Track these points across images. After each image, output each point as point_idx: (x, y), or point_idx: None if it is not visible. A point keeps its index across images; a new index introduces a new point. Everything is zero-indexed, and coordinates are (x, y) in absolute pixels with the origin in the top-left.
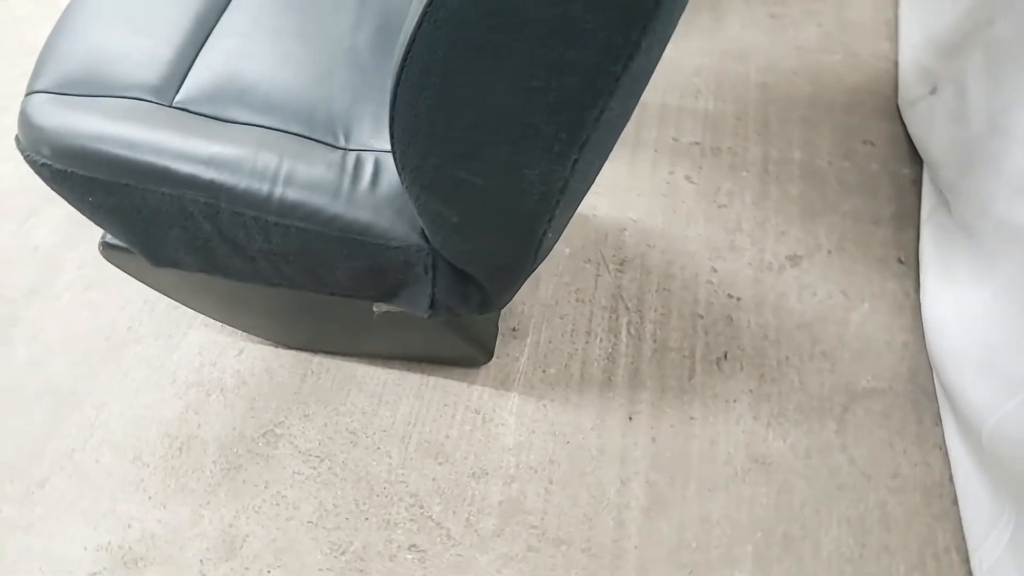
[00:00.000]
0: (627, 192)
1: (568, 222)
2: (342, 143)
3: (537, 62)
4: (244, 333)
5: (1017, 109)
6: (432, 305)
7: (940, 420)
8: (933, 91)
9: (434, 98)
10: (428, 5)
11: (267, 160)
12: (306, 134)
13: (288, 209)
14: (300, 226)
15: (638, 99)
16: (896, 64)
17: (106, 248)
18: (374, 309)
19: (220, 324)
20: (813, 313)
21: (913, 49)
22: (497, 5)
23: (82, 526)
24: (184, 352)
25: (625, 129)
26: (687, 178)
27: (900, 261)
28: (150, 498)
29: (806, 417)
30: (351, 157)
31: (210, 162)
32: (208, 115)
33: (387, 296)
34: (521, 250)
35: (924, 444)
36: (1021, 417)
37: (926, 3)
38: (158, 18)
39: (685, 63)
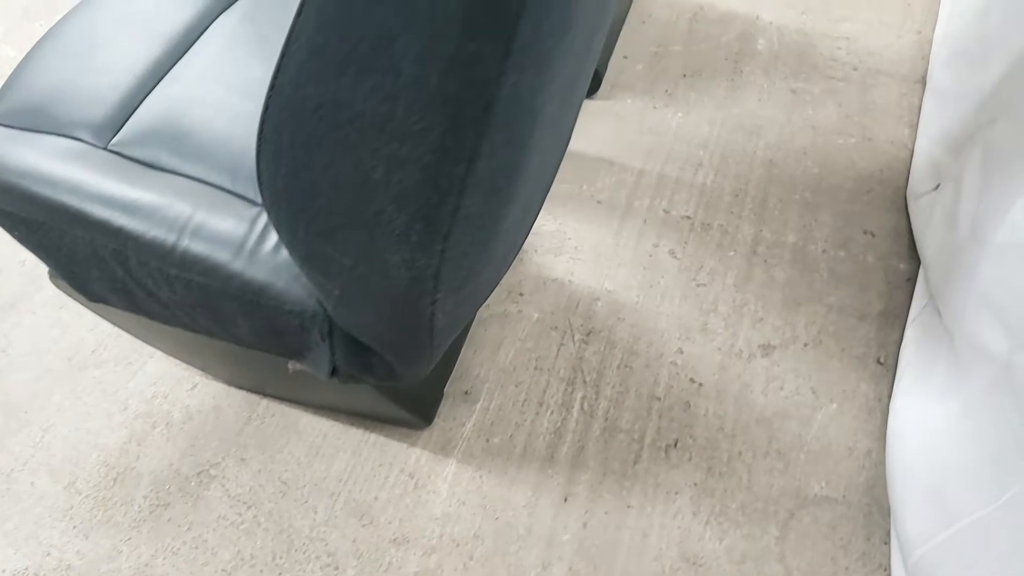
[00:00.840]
0: (608, 261)
1: (478, 302)
2: (260, 200)
3: (376, 154)
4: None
5: (996, 218)
6: (333, 371)
7: (889, 539)
8: (936, 187)
9: (287, 177)
10: (270, 89)
11: (180, 210)
12: (227, 187)
13: (190, 263)
14: (200, 281)
15: (534, 190)
16: (912, 153)
17: (52, 276)
18: (289, 366)
19: None
20: (776, 408)
21: (929, 140)
22: (328, 97)
23: (3, 547)
24: (140, 381)
25: (617, 196)
26: (671, 252)
27: (879, 362)
28: (75, 527)
29: (748, 519)
30: (264, 215)
31: (124, 208)
32: (139, 159)
33: (293, 355)
34: (411, 331)
35: (869, 563)
36: (946, 553)
37: (949, 93)
38: (115, 60)
39: (692, 133)
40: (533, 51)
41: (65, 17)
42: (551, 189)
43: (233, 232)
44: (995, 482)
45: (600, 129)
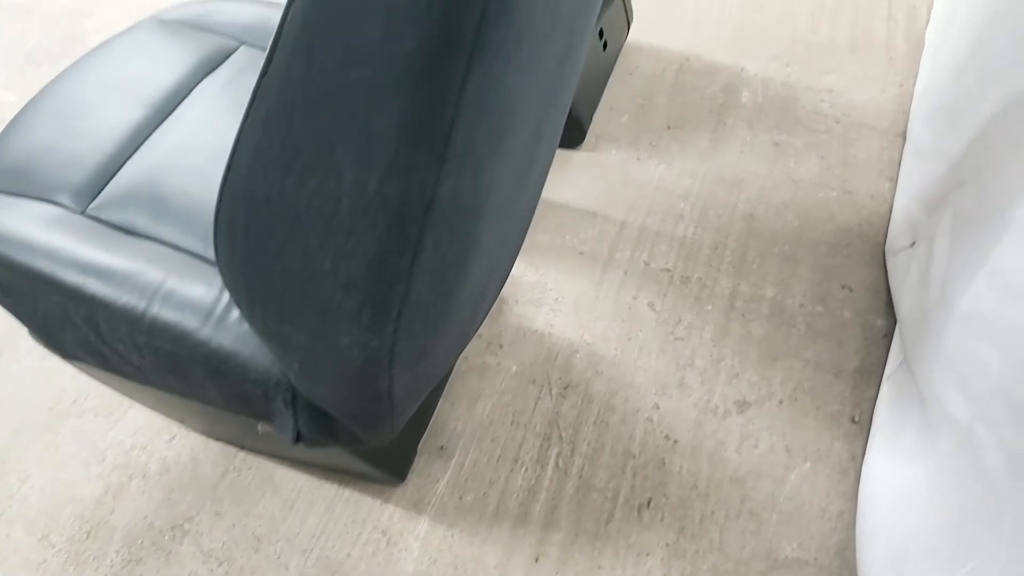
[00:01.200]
0: (587, 312)
1: (439, 374)
2: None
3: (323, 246)
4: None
5: (961, 285)
6: (298, 437)
7: None
8: (913, 244)
9: (242, 263)
10: (223, 182)
11: (152, 277)
12: (199, 252)
13: (159, 330)
14: (168, 348)
15: (493, 263)
16: (891, 208)
17: (31, 331)
18: (258, 427)
19: None
20: (750, 467)
21: (907, 197)
22: (276, 193)
23: None
24: (120, 431)
25: (599, 247)
26: (650, 305)
27: (854, 420)
28: None
29: None
30: None
31: (98, 274)
32: (115, 224)
33: (261, 418)
34: (370, 403)
35: None
36: None
37: (926, 150)
38: (99, 125)
39: (674, 185)
40: (469, 157)
41: (55, 79)
42: (536, 240)
43: (202, 299)
44: (955, 554)
45: (585, 180)
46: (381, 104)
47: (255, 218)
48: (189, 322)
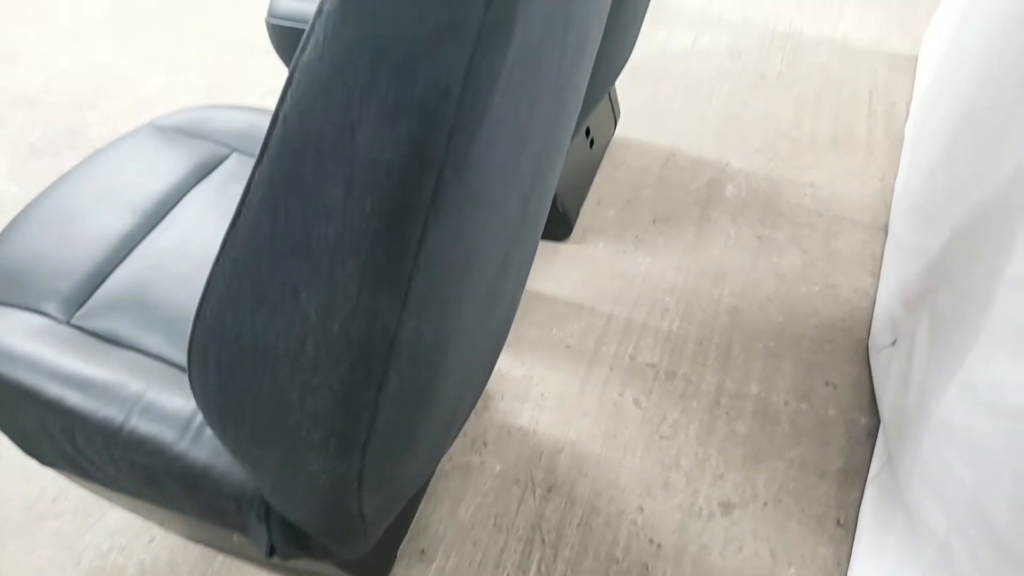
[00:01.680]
0: (573, 409)
1: (409, 493)
2: None
3: (290, 380)
4: None
5: (937, 392)
6: (272, 551)
7: None
8: (894, 343)
9: (214, 390)
10: (196, 315)
11: (132, 389)
12: (183, 363)
13: (135, 443)
14: (144, 462)
15: (464, 384)
16: (874, 303)
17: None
18: (234, 537)
19: None
20: (734, 571)
21: (888, 293)
22: (245, 329)
23: None
24: (99, 532)
25: (585, 341)
26: (635, 402)
27: (839, 523)
28: None
29: None
30: None
31: (77, 386)
32: (100, 333)
33: (235, 530)
34: (342, 521)
35: None
36: None
37: (906, 247)
38: (89, 233)
39: (660, 279)
40: (430, 301)
41: (51, 187)
42: (523, 333)
43: (181, 411)
44: None
45: (572, 273)
46: (343, 258)
47: (225, 351)
48: (166, 435)
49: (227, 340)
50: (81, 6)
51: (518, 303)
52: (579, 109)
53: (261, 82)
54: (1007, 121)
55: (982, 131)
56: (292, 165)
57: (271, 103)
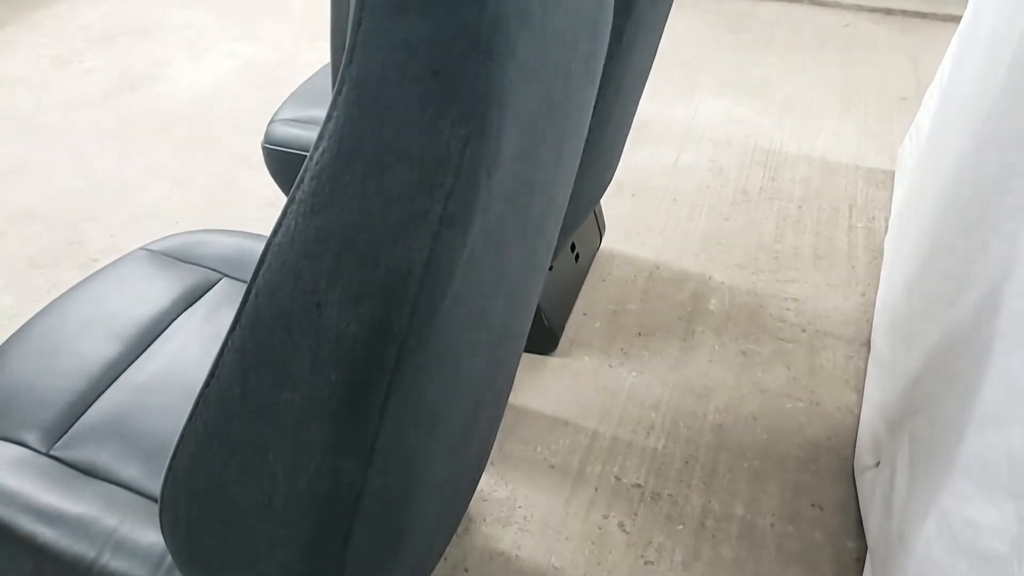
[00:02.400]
0: (556, 533)
1: None
2: None
3: (259, 532)
4: None
5: (917, 523)
6: None
7: None
8: (878, 464)
9: (185, 539)
10: (168, 468)
11: (106, 524)
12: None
13: None
14: None
15: (442, 514)
16: (858, 420)
17: None
18: None
19: None
20: None
21: (872, 411)
22: (215, 483)
23: None
24: None
25: (570, 460)
26: (620, 525)
27: None
28: None
29: None
30: None
31: (51, 521)
32: (78, 464)
33: None
34: None
35: None
36: None
37: (887, 365)
38: (73, 363)
39: (645, 394)
40: (395, 457)
41: (39, 314)
42: (507, 451)
43: (153, 548)
44: None
45: (557, 388)
46: (308, 422)
47: (196, 502)
48: (137, 572)
49: (198, 492)
50: (89, 120)
51: (497, 428)
52: (555, 241)
53: (259, 196)
54: (972, 249)
55: (951, 255)
56: (262, 336)
57: (268, 216)
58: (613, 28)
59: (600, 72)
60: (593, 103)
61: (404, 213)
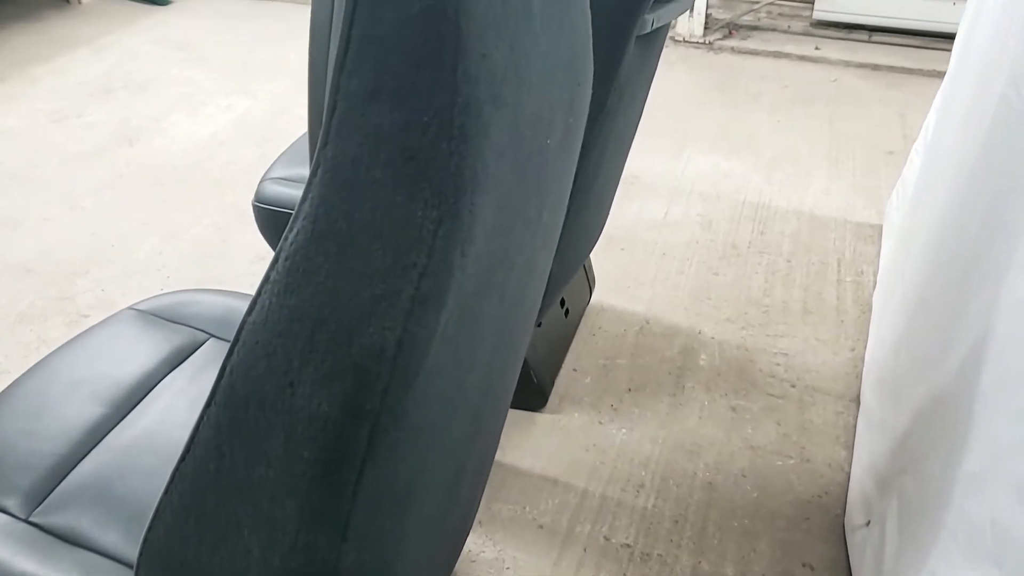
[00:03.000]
0: None
1: None
2: None
3: None
4: None
5: None
6: None
7: None
8: (868, 524)
9: None
10: (143, 542)
11: None
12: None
13: None
14: None
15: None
16: (848, 477)
17: None
18: None
19: None
20: None
21: (862, 469)
22: (190, 557)
23: None
24: None
25: (559, 519)
26: None
27: None
28: None
29: None
30: None
31: None
32: (57, 531)
33: None
34: None
35: None
36: None
37: (876, 422)
38: (56, 425)
39: (635, 451)
40: (370, 534)
41: (24, 376)
42: (495, 510)
43: None
44: None
45: (547, 445)
46: (282, 499)
47: (171, 575)
48: None
49: (173, 565)
50: (85, 174)
51: (481, 491)
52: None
53: (251, 250)
54: (954, 310)
55: (934, 316)
56: (237, 413)
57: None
58: (595, 96)
59: (580, 142)
60: (574, 171)
61: (377, 293)
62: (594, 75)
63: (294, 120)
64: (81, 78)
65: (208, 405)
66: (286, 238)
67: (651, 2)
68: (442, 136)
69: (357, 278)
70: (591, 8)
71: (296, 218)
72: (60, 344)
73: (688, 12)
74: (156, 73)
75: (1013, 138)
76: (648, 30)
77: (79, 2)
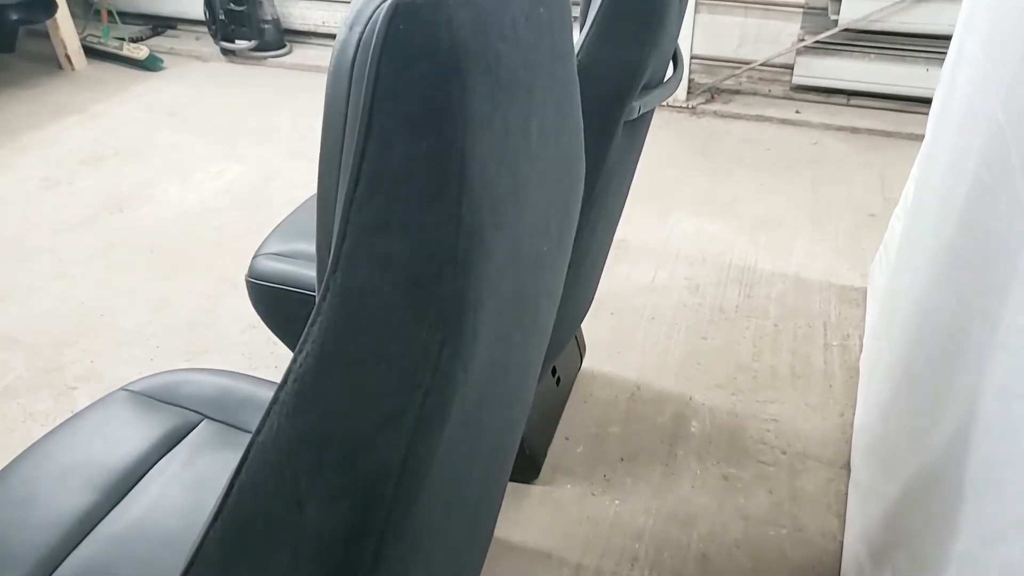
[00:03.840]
0: None
1: None
2: None
3: None
4: None
5: None
6: None
7: None
8: None
9: None
10: None
11: None
12: None
13: None
14: None
15: None
16: (841, 546)
17: None
18: None
19: None
20: None
21: (855, 538)
22: None
23: None
24: None
25: None
26: None
27: None
28: None
29: None
30: None
31: None
32: None
33: None
34: None
35: None
36: None
37: (867, 491)
38: (47, 514)
39: (628, 523)
40: None
41: (14, 462)
42: None
43: None
44: None
45: (539, 518)
46: None
47: None
48: None
49: None
50: (75, 242)
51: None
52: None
53: (241, 319)
54: (939, 385)
55: (920, 388)
56: (244, 529)
57: (250, 340)
58: (585, 183)
59: (573, 235)
60: (567, 263)
61: (383, 413)
62: (584, 161)
63: (285, 186)
64: (72, 145)
65: (213, 520)
66: (295, 359)
67: (638, 90)
68: (447, 263)
69: (364, 399)
70: (582, 98)
71: (305, 341)
72: (46, 418)
73: None
74: (147, 140)
75: (987, 219)
76: (635, 116)
77: (72, 68)
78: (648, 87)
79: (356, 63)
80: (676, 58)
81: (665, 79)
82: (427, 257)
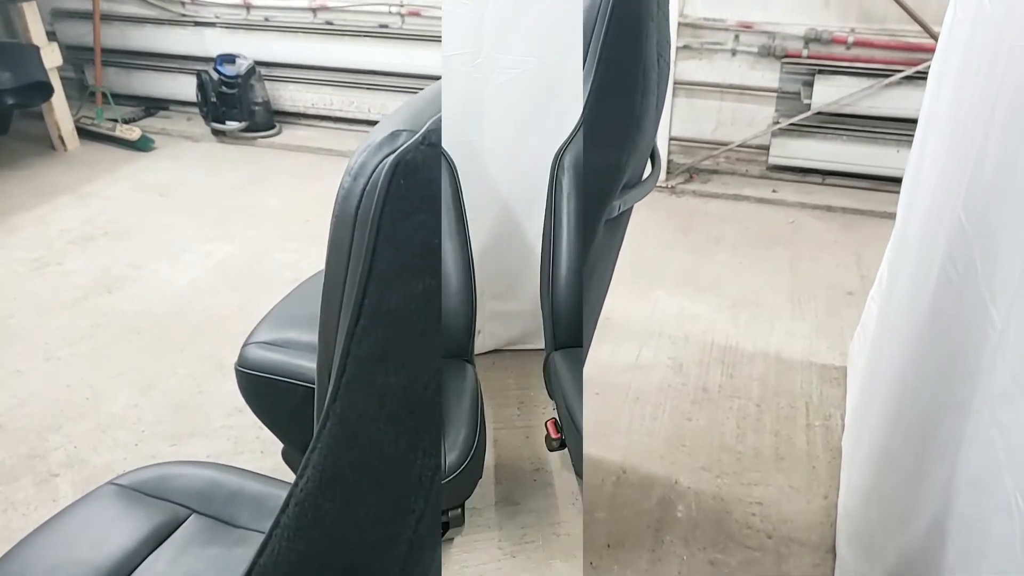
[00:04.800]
0: None
1: None
2: None
3: None
4: None
5: None
6: None
7: None
8: None
9: None
10: None
11: None
12: None
13: None
14: None
15: None
16: None
17: None
18: None
19: None
20: None
21: None
22: None
23: None
24: None
25: None
26: None
27: None
28: None
29: None
30: None
31: None
32: None
33: None
34: None
35: None
36: None
37: (853, 567)
38: None
39: None
40: None
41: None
42: None
43: None
44: None
45: None
46: None
47: None
48: None
49: None
50: (62, 323)
51: None
52: None
53: (227, 403)
54: (917, 473)
55: (900, 473)
56: None
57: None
58: None
59: None
60: None
61: (378, 537)
62: None
63: (273, 267)
64: (63, 226)
65: None
66: (296, 484)
67: (619, 191)
68: (439, 392)
69: (361, 524)
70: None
71: (305, 466)
72: (27, 507)
73: None
74: (138, 220)
75: (954, 314)
76: (615, 214)
77: (65, 149)
78: (628, 186)
79: (360, 210)
80: (654, 156)
81: (644, 177)
82: (422, 386)
